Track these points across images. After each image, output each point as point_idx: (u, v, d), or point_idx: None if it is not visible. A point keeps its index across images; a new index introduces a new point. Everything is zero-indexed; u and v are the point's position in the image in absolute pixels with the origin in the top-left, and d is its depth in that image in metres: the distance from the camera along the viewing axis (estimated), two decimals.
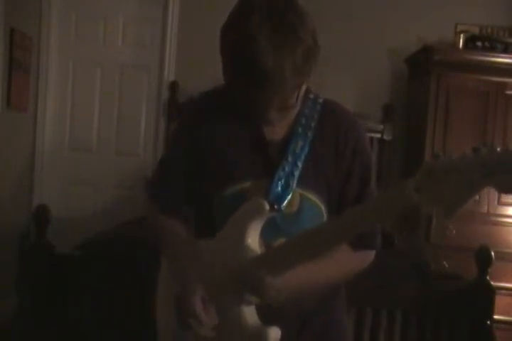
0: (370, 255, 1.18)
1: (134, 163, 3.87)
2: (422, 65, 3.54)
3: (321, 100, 1.13)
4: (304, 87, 1.04)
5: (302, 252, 0.95)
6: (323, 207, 1.10)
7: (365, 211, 0.90)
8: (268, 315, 1.02)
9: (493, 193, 3.41)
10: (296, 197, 1.06)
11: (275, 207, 1.03)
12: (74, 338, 1.95)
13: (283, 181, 1.05)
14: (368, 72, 3.83)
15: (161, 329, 1.20)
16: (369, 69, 3.83)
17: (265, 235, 1.04)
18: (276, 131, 1.08)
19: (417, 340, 1.92)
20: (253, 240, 1.02)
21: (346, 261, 1.11)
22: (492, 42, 3.46)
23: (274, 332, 0.99)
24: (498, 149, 0.75)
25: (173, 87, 3.80)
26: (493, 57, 3.40)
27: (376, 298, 1.93)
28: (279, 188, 1.05)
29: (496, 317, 1.94)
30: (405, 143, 3.77)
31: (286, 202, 1.05)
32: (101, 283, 1.97)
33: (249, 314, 1.01)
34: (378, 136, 3.72)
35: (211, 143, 1.11)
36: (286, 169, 1.05)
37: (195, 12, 3.85)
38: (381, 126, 3.73)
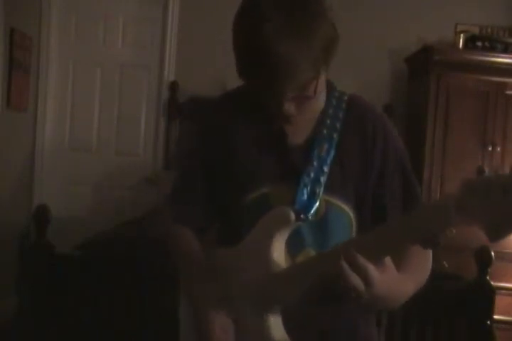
0: (430, 255, 1.07)
1: (134, 163, 3.87)
2: (422, 65, 3.54)
3: (345, 97, 1.06)
4: (324, 82, 0.99)
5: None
6: (351, 214, 1.03)
7: (404, 227, 0.82)
8: (290, 330, 0.95)
9: None
10: (322, 204, 0.99)
11: (301, 216, 0.96)
12: (74, 338, 1.95)
13: (309, 188, 0.97)
14: (368, 72, 3.83)
15: None
16: (369, 69, 3.83)
17: (289, 245, 0.97)
18: (299, 133, 1.01)
19: (417, 340, 1.92)
20: (279, 253, 0.95)
21: (423, 263, 1.04)
22: (492, 42, 3.46)
23: None
24: None
25: (173, 86, 3.80)
26: (493, 57, 3.40)
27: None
28: (305, 196, 0.97)
29: (496, 317, 1.94)
30: (405, 143, 3.76)
31: (313, 211, 0.97)
32: (101, 283, 1.96)
33: (276, 328, 0.94)
34: None
35: (230, 150, 1.05)
36: (312, 175, 0.98)
37: (195, 12, 3.85)
38: None
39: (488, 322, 1.89)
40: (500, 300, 2.06)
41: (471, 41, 3.50)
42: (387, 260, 0.86)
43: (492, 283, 1.92)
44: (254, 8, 0.90)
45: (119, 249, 2.09)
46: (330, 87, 1.05)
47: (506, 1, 3.83)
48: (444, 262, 2.50)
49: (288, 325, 0.95)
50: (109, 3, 3.87)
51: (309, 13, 0.89)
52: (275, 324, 0.94)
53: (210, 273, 1.03)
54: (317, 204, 0.97)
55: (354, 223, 1.04)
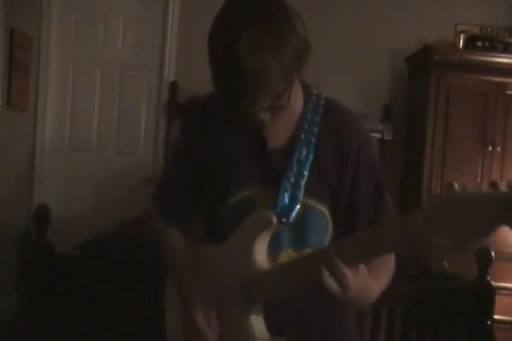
0: (393, 258, 1.14)
1: (134, 163, 3.87)
2: (422, 65, 3.54)
3: (322, 101, 1.09)
4: (298, 88, 1.03)
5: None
6: (327, 215, 1.07)
7: (378, 237, 0.86)
8: (271, 324, 0.99)
9: None
10: (301, 207, 1.03)
11: (283, 220, 1.00)
12: (74, 338, 1.95)
13: (289, 192, 1.01)
14: (368, 72, 3.83)
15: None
16: (369, 69, 3.83)
17: (269, 245, 1.01)
18: (278, 137, 1.05)
19: (417, 340, 1.92)
20: (260, 255, 0.99)
21: (388, 266, 1.10)
22: (492, 42, 3.46)
23: None
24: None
25: (173, 86, 3.80)
26: (494, 57, 3.40)
27: (376, 298, 1.93)
28: (286, 200, 1.01)
29: (496, 317, 1.94)
30: (405, 143, 3.77)
31: (294, 214, 1.01)
32: (101, 283, 1.96)
33: (258, 325, 0.98)
34: (378, 136, 3.72)
35: (212, 153, 1.09)
36: (292, 179, 1.02)
37: (195, 12, 3.85)
38: (381, 126, 3.72)
39: (489, 322, 1.89)
40: (500, 300, 2.06)
41: (471, 41, 3.50)
42: (361, 265, 0.91)
43: (492, 283, 1.92)
44: (228, 21, 0.93)
45: (119, 248, 2.09)
46: (306, 92, 1.08)
47: (506, 1, 3.83)
48: (444, 262, 2.50)
49: (269, 319, 0.99)
50: (109, 3, 3.87)
51: (280, 26, 0.90)
52: (257, 321, 0.98)
53: (195, 270, 1.07)
54: (298, 207, 1.01)
55: (330, 224, 1.08)
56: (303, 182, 1.02)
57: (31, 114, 3.72)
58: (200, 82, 4.01)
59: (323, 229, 1.07)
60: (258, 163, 1.05)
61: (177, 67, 3.86)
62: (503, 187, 0.73)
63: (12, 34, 3.29)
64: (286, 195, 1.01)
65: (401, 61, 3.79)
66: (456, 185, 0.77)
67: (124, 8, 3.88)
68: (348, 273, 0.87)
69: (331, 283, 0.87)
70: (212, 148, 1.09)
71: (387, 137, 3.69)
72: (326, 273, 0.86)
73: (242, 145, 1.07)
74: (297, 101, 1.06)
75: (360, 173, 1.07)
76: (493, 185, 0.73)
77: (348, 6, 3.83)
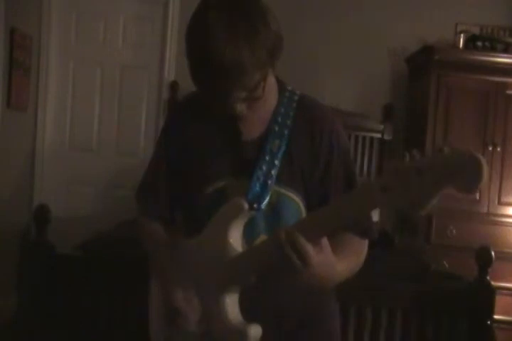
0: (365, 245, 1.16)
1: (134, 163, 3.87)
2: (422, 64, 3.54)
3: (296, 97, 1.14)
4: (273, 83, 1.09)
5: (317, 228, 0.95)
6: (300, 203, 1.12)
7: (337, 209, 0.92)
8: (246, 312, 1.03)
9: (494, 193, 3.41)
10: (274, 195, 1.08)
11: (255, 206, 1.05)
12: (74, 338, 1.95)
13: (261, 180, 1.06)
14: (368, 72, 3.83)
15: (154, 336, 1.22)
16: (369, 69, 3.83)
17: (246, 233, 1.06)
18: (253, 130, 1.10)
19: (417, 340, 1.92)
20: (235, 240, 1.04)
21: (357, 251, 1.13)
22: (492, 42, 3.46)
23: (255, 330, 1.00)
24: (458, 150, 0.76)
25: (173, 86, 3.80)
26: (494, 57, 3.40)
27: (376, 298, 1.93)
28: (258, 188, 1.06)
29: (496, 317, 1.94)
30: (405, 143, 3.77)
31: (265, 201, 1.06)
32: (101, 283, 1.97)
33: (232, 311, 1.03)
34: (378, 135, 3.72)
35: (189, 145, 1.14)
36: (264, 168, 1.07)
37: None
38: (381, 126, 3.72)
39: (489, 322, 1.89)
40: (500, 300, 2.06)
41: (471, 41, 3.50)
42: (325, 242, 0.95)
43: (492, 282, 1.92)
44: (203, 17, 0.98)
45: (119, 248, 2.08)
46: (281, 88, 1.13)
47: (506, 1, 3.83)
48: (445, 262, 2.50)
49: (243, 303, 1.03)
50: (110, 3, 3.87)
51: (253, 21, 0.96)
52: (230, 304, 1.02)
53: (174, 258, 1.12)
54: (269, 194, 1.06)
55: (303, 211, 1.13)
56: (274, 172, 1.07)
57: (31, 114, 3.72)
58: None
59: (297, 217, 1.10)
60: (232, 155, 1.11)
61: (177, 67, 3.86)
62: (446, 151, 0.77)
63: (12, 34, 3.29)
64: (258, 183, 1.06)
65: (401, 61, 3.79)
66: (406, 155, 0.80)
67: (124, 8, 3.88)
68: (310, 247, 0.91)
69: (293, 258, 0.91)
70: (189, 142, 1.14)
71: (387, 137, 3.69)
72: (288, 249, 0.90)
73: (217, 137, 1.12)
74: (272, 95, 1.11)
75: (331, 164, 1.11)
76: (440, 150, 0.77)
77: (348, 6, 3.83)
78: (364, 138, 3.72)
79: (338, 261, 1.00)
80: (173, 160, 1.17)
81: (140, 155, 3.90)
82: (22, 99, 3.53)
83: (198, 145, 1.13)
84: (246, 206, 1.02)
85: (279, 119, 1.10)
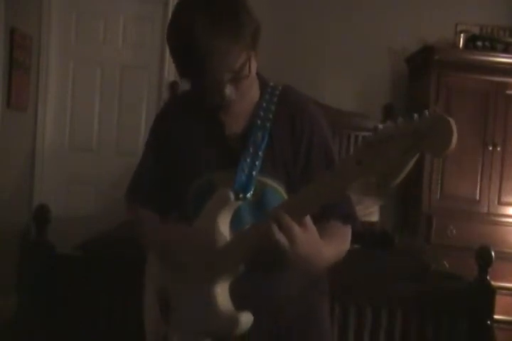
0: (349, 232, 1.19)
1: (134, 163, 3.85)
2: (422, 64, 3.54)
3: (277, 92, 1.18)
4: (254, 75, 1.12)
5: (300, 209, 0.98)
6: (283, 193, 1.16)
7: (318, 186, 0.95)
8: (241, 305, 1.04)
9: (494, 193, 3.41)
10: (258, 186, 1.12)
11: (240, 196, 1.09)
12: (74, 338, 1.95)
13: (246, 171, 1.11)
14: (368, 72, 3.83)
15: (148, 328, 1.26)
16: (369, 69, 3.83)
17: (232, 223, 1.09)
18: (236, 123, 1.15)
19: (417, 340, 1.92)
20: (223, 230, 1.07)
21: (342, 237, 1.16)
22: (492, 42, 3.46)
23: (246, 317, 1.02)
24: (427, 114, 0.77)
25: (173, 86, 3.80)
26: (494, 57, 3.40)
27: (376, 298, 1.93)
28: (243, 178, 1.11)
29: (496, 316, 1.94)
30: None
31: (251, 191, 1.11)
32: (101, 283, 1.97)
33: (223, 299, 1.05)
34: None
35: (176, 139, 1.19)
36: (248, 160, 1.11)
37: None
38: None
39: (489, 322, 1.89)
40: (500, 300, 2.06)
41: (471, 41, 3.50)
42: (309, 222, 0.98)
43: (492, 282, 1.92)
44: (185, 8, 1.04)
45: (119, 248, 2.08)
46: (263, 83, 1.18)
47: (507, 0, 3.83)
48: (445, 262, 2.50)
49: (234, 292, 1.06)
50: (110, 3, 3.87)
51: (233, 9, 1.03)
52: (222, 294, 1.05)
53: (167, 247, 1.15)
54: (254, 185, 1.11)
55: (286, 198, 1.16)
56: (258, 163, 1.11)
57: (31, 114, 3.72)
58: None
59: None
60: (218, 148, 1.15)
61: None
62: (415, 117, 0.78)
63: (12, 34, 3.29)
64: (243, 174, 1.10)
65: (401, 61, 3.79)
66: (379, 127, 0.82)
67: (124, 8, 3.88)
68: (295, 226, 0.94)
69: (280, 237, 0.94)
70: (177, 136, 1.19)
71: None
72: (274, 228, 0.94)
73: (203, 133, 1.17)
74: (254, 91, 1.16)
75: (312, 154, 1.16)
76: (408, 117, 0.79)
77: (349, 5, 3.83)
78: (364, 138, 3.72)
79: (323, 244, 1.03)
80: (162, 154, 1.22)
81: (140, 155, 3.89)
82: (22, 99, 3.53)
83: (185, 140, 1.18)
84: (232, 196, 1.05)
85: (261, 113, 1.14)
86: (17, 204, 3.52)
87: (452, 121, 0.75)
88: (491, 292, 1.91)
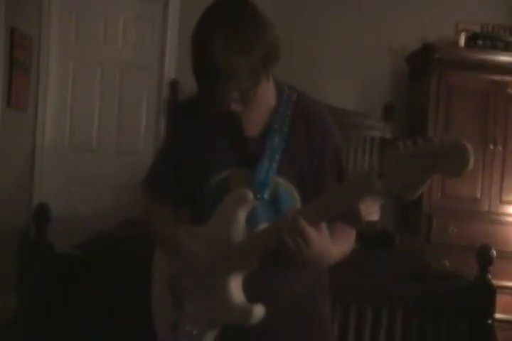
0: (354, 234, 1.27)
1: (134, 163, 3.86)
2: (423, 63, 3.54)
3: (294, 98, 1.24)
4: (270, 84, 1.19)
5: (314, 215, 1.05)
6: (296, 193, 1.22)
7: (338, 194, 1.04)
8: (253, 299, 1.11)
9: (495, 192, 3.41)
10: (274, 186, 1.19)
11: (258, 196, 1.16)
12: (73, 338, 1.95)
13: (263, 172, 1.17)
14: (368, 71, 3.83)
15: (158, 317, 1.30)
16: (369, 68, 3.82)
17: (247, 221, 1.15)
18: (254, 127, 1.21)
19: (417, 340, 1.92)
20: (239, 227, 1.13)
21: (347, 238, 1.24)
22: (493, 41, 3.46)
23: (259, 309, 1.08)
24: (446, 138, 0.86)
25: (173, 86, 3.80)
26: (494, 55, 3.40)
27: (376, 298, 1.93)
28: (261, 179, 1.17)
29: (496, 316, 1.93)
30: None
31: (268, 191, 1.17)
32: (101, 282, 1.96)
33: (236, 293, 1.12)
34: (379, 135, 3.71)
35: (198, 142, 1.24)
36: (266, 162, 1.18)
37: (195, 12, 3.84)
38: (381, 125, 3.72)
39: (489, 321, 1.89)
40: (501, 299, 2.05)
41: (472, 39, 3.49)
42: (324, 227, 1.07)
43: (493, 281, 1.92)
44: (205, 24, 1.11)
45: (119, 248, 2.08)
46: (280, 89, 1.24)
47: None
48: (445, 261, 2.49)
49: (248, 288, 1.13)
50: (110, 3, 3.87)
51: (248, 31, 1.07)
52: (235, 288, 1.12)
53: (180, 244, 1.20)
54: (270, 185, 1.17)
55: (299, 200, 1.23)
56: (275, 165, 1.18)
57: (31, 113, 3.72)
58: None
59: (293, 206, 1.20)
60: (236, 148, 1.21)
61: (177, 66, 3.86)
62: (435, 140, 0.87)
63: (12, 34, 3.29)
64: (260, 175, 1.17)
65: (401, 60, 3.78)
66: (400, 145, 0.90)
67: (124, 8, 3.87)
68: (310, 229, 1.02)
69: (297, 239, 1.02)
70: (196, 136, 1.24)
71: (388, 136, 3.68)
72: (292, 232, 1.02)
73: (223, 135, 1.23)
74: (270, 96, 1.22)
75: (325, 157, 1.23)
76: (429, 139, 0.88)
77: (348, 5, 3.82)
78: (364, 137, 3.72)
79: (331, 245, 1.11)
80: (179, 152, 1.26)
81: (140, 154, 3.90)
82: (22, 99, 3.53)
83: (204, 140, 1.23)
84: (251, 196, 1.12)
85: (278, 118, 1.21)
86: (17, 203, 3.52)
87: (469, 147, 0.84)
88: (491, 291, 1.90)
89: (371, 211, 3.28)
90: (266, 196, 1.17)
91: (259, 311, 1.08)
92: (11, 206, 3.42)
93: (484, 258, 1.91)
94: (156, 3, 3.87)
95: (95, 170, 3.86)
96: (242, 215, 1.13)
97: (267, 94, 1.19)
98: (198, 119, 1.25)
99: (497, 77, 3.40)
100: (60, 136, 3.87)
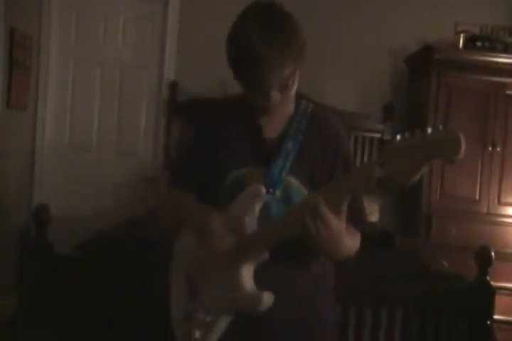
0: (359, 236, 1.35)
1: (134, 163, 3.87)
2: (422, 64, 3.55)
3: (310, 109, 1.37)
4: (293, 92, 1.30)
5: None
6: (305, 191, 1.31)
7: (342, 181, 1.14)
8: (260, 280, 1.19)
9: (494, 193, 3.41)
10: (286, 184, 1.29)
11: (270, 191, 1.26)
12: (73, 338, 1.96)
13: (277, 171, 1.28)
14: (368, 72, 3.83)
15: (174, 304, 1.36)
16: (369, 69, 3.83)
17: (261, 215, 1.24)
18: (272, 131, 1.33)
19: (417, 340, 1.92)
20: (253, 217, 1.22)
21: (355, 238, 1.31)
22: (492, 42, 3.47)
23: (268, 296, 1.16)
24: (441, 129, 0.97)
25: (173, 86, 3.80)
26: (493, 57, 3.41)
27: (376, 298, 1.93)
28: (275, 176, 1.28)
29: (496, 317, 1.94)
30: None
31: (280, 187, 1.28)
32: (101, 282, 1.97)
33: (247, 281, 1.20)
34: (378, 135, 3.72)
35: (220, 142, 1.34)
36: (280, 161, 1.29)
37: (195, 12, 3.85)
38: (381, 126, 3.73)
39: (489, 322, 1.89)
40: (500, 300, 2.06)
41: (471, 41, 3.50)
42: (343, 212, 1.15)
43: (492, 283, 1.92)
44: (246, 25, 1.21)
45: (119, 248, 2.08)
46: (298, 100, 1.37)
47: (506, 0, 3.83)
48: (444, 262, 2.50)
49: (258, 276, 1.21)
50: (110, 3, 3.87)
51: (288, 25, 1.24)
52: (246, 276, 1.20)
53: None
54: (282, 183, 1.28)
55: None
56: (288, 165, 1.29)
57: (31, 113, 3.72)
58: (200, 81, 4.03)
59: None
60: (255, 150, 1.32)
61: (177, 67, 3.86)
62: (430, 131, 0.97)
63: (12, 34, 3.29)
64: (275, 172, 1.28)
65: (401, 61, 3.79)
66: (397, 137, 1.01)
67: (124, 8, 3.88)
68: (329, 212, 1.10)
69: (316, 219, 1.10)
70: (219, 139, 1.34)
71: (387, 137, 3.69)
72: (314, 212, 1.10)
73: (243, 136, 1.33)
74: (290, 105, 1.34)
75: (337, 164, 1.34)
76: (424, 130, 0.97)
77: (348, 6, 3.83)
78: (364, 138, 3.73)
79: (348, 235, 1.20)
80: (202, 152, 1.36)
81: (140, 154, 3.90)
82: (22, 99, 3.53)
83: (226, 141, 1.34)
84: (264, 190, 1.22)
85: (295, 125, 1.33)
86: (17, 204, 3.52)
87: (462, 136, 0.95)
88: (490, 292, 1.91)
89: (371, 212, 3.29)
90: (278, 192, 1.27)
91: (268, 298, 1.15)
92: (11, 206, 3.42)
93: (483, 259, 1.92)
94: (156, 3, 3.87)
95: (95, 170, 3.86)
96: (255, 207, 1.22)
97: (289, 100, 1.31)
98: (221, 122, 1.36)
99: (496, 78, 3.41)
100: (60, 136, 3.87)
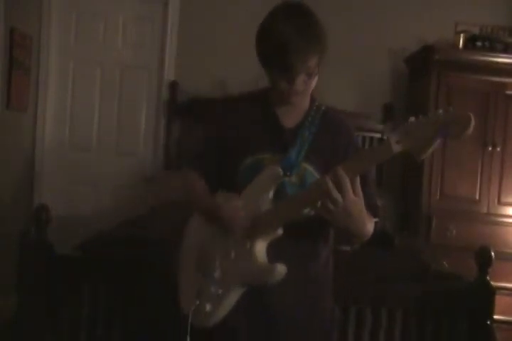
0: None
1: (134, 163, 3.87)
2: (422, 64, 3.55)
3: (323, 108, 1.49)
4: (313, 84, 1.41)
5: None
6: (318, 176, 1.40)
7: (363, 154, 1.26)
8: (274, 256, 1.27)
9: (494, 193, 3.41)
10: (301, 169, 1.40)
11: (287, 173, 1.36)
12: (73, 338, 1.96)
13: (294, 156, 1.39)
14: (368, 72, 3.83)
15: (183, 282, 1.42)
16: (369, 69, 3.83)
17: (278, 198, 1.34)
18: (290, 122, 1.45)
19: (417, 340, 1.92)
20: (269, 196, 1.32)
21: (372, 220, 1.39)
22: (492, 42, 3.46)
23: (280, 267, 1.22)
24: (451, 110, 1.11)
25: (173, 86, 3.80)
26: (493, 57, 3.41)
27: (376, 298, 1.93)
28: (292, 160, 1.39)
29: (496, 317, 1.94)
30: None
31: (295, 171, 1.38)
32: (100, 282, 1.97)
33: (260, 255, 1.28)
34: (378, 135, 3.72)
35: (238, 129, 1.45)
36: (296, 148, 1.40)
37: (195, 12, 3.85)
38: (381, 126, 3.72)
39: (489, 322, 1.89)
40: (500, 300, 2.06)
41: (471, 41, 3.50)
42: (360, 191, 1.22)
43: (492, 283, 1.92)
44: (279, 25, 1.34)
45: (119, 248, 2.08)
46: (312, 100, 1.49)
47: (506, 0, 3.83)
48: (444, 262, 2.50)
49: (272, 252, 1.29)
50: (109, 3, 3.87)
51: (315, 22, 1.40)
52: (260, 250, 1.28)
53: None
54: (298, 167, 1.39)
55: None
56: (303, 152, 1.40)
57: (31, 114, 3.72)
58: (200, 81, 4.03)
59: None
60: (273, 138, 1.43)
61: (177, 67, 3.86)
62: (441, 111, 1.12)
63: (12, 34, 3.29)
64: (291, 157, 1.39)
65: (401, 61, 3.79)
66: (410, 119, 1.16)
67: (124, 8, 3.88)
68: (348, 180, 1.18)
69: (334, 190, 1.18)
70: (238, 126, 1.46)
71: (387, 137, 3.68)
72: (329, 181, 1.18)
73: (262, 126, 1.44)
74: (306, 100, 1.47)
75: (348, 150, 1.46)
76: (434, 112, 1.13)
77: (348, 6, 3.83)
78: (364, 138, 3.73)
79: (365, 214, 1.26)
80: (225, 140, 1.46)
81: (140, 155, 3.90)
82: (22, 99, 3.54)
83: (245, 128, 1.44)
84: (281, 172, 1.33)
85: (310, 119, 1.45)
86: (17, 203, 3.52)
87: (471, 115, 1.09)
88: (490, 292, 1.91)
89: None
90: (294, 176, 1.38)
91: (281, 269, 1.22)
92: (11, 206, 3.42)
93: (483, 259, 1.92)
94: (156, 3, 3.87)
95: (95, 170, 3.86)
96: (271, 187, 1.32)
97: (307, 94, 1.43)
98: (243, 113, 1.48)
99: (496, 79, 3.41)
100: (60, 136, 3.87)
